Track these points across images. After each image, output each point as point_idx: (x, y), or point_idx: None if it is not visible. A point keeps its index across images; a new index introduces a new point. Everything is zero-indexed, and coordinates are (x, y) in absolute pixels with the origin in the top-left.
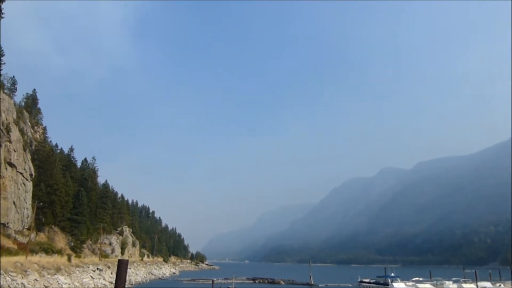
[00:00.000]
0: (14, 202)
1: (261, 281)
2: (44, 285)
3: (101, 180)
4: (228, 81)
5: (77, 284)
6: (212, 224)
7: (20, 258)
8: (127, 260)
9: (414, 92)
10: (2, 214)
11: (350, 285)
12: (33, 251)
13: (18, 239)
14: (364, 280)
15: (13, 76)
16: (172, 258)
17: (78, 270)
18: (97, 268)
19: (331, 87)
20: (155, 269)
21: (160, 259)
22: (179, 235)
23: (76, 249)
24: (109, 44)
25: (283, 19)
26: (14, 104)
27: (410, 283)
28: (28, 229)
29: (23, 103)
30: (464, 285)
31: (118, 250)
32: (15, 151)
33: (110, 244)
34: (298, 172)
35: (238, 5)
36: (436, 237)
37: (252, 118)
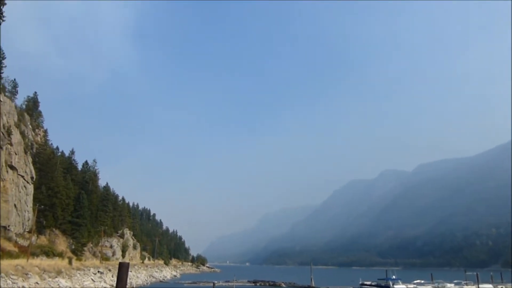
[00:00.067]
0: (15, 205)
1: (262, 283)
2: None
3: (102, 182)
4: (228, 81)
5: (78, 287)
6: (213, 227)
7: (21, 261)
8: (128, 263)
9: (414, 92)
10: (3, 217)
11: (352, 287)
12: (34, 254)
13: (19, 242)
14: (366, 282)
15: (14, 79)
16: (173, 261)
17: (79, 273)
18: (98, 271)
19: (331, 87)
20: (156, 272)
21: (161, 261)
22: (180, 238)
23: (77, 252)
24: (109, 44)
25: (283, 19)
26: (15, 107)
27: (412, 286)
28: (29, 232)
29: (24, 106)
30: (465, 287)
31: (119, 253)
32: (16, 154)
33: (111, 247)
34: (299, 173)
35: (238, 5)
36: (437, 240)
37: (252, 118)
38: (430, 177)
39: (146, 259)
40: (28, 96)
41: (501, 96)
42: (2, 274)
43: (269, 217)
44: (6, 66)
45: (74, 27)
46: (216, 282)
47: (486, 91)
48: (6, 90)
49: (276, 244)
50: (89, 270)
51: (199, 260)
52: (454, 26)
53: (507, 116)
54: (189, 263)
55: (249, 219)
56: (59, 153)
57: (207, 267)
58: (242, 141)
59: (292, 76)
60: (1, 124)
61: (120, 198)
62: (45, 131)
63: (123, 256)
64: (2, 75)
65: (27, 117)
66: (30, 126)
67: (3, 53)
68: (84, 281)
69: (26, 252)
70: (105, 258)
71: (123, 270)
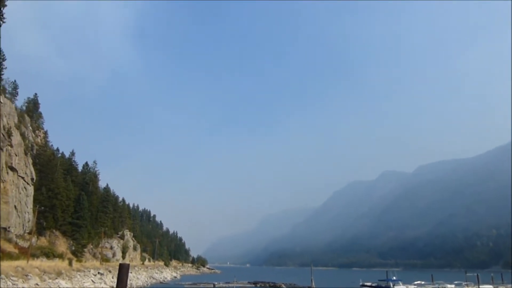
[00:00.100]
0: (15, 206)
1: (262, 284)
2: None
3: (102, 184)
4: (228, 81)
5: None
6: (213, 228)
7: (21, 263)
8: (128, 264)
9: (414, 92)
10: (3, 218)
11: None
12: (34, 255)
13: (19, 244)
14: (366, 283)
15: (15, 81)
16: (173, 262)
17: (79, 274)
18: (98, 272)
19: (331, 87)
20: (156, 273)
21: (161, 263)
22: (180, 239)
23: (77, 253)
24: (109, 44)
25: (283, 19)
26: (16, 108)
27: (412, 287)
28: (29, 233)
29: (24, 108)
30: None
31: (119, 254)
32: (16, 155)
33: (111, 248)
34: (299, 173)
35: (238, 5)
36: (437, 241)
37: (252, 118)
38: (430, 178)
39: (146, 260)
40: (29, 98)
41: (501, 96)
42: (2, 276)
43: (269, 218)
44: (6, 67)
45: (74, 28)
46: (216, 283)
47: (486, 91)
48: (7, 91)
49: (276, 245)
50: (89, 271)
51: (199, 261)
52: (454, 26)
53: (507, 117)
54: (189, 264)
55: (249, 220)
56: (59, 155)
57: (207, 268)
58: (242, 141)
59: (292, 76)
60: (2, 126)
61: (120, 199)
62: (45, 133)
63: (123, 257)
64: (3, 76)
65: (27, 118)
66: (30, 128)
67: (3, 55)
68: (84, 282)
69: (26, 253)
70: (105, 259)
71: (123, 271)
